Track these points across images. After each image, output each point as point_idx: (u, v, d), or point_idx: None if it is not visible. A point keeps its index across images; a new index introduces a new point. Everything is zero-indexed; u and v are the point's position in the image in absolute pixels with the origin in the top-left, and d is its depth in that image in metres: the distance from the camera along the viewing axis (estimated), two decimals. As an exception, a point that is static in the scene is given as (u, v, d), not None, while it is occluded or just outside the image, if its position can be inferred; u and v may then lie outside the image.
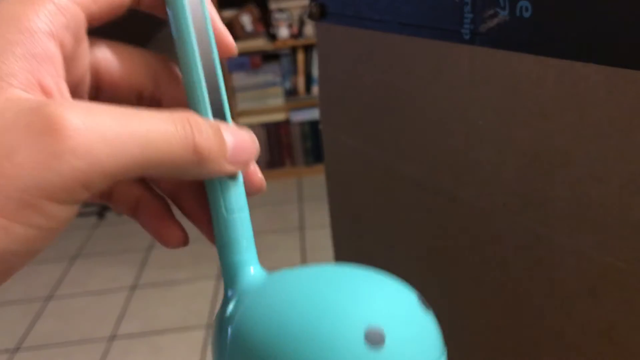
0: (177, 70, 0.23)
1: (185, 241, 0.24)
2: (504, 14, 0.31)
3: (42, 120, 0.16)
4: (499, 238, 0.34)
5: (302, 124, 2.47)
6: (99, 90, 0.22)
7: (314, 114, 2.39)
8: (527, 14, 0.29)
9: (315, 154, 2.50)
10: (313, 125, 2.44)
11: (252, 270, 0.22)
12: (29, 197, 0.16)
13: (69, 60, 0.20)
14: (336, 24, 0.47)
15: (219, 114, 0.22)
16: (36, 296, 1.82)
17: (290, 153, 2.52)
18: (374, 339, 0.19)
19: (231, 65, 2.37)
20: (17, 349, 1.59)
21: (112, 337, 1.53)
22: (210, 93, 0.21)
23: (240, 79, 2.40)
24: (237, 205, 0.22)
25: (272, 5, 2.35)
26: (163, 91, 0.23)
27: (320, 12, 0.48)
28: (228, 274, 0.22)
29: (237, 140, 0.20)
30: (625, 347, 0.28)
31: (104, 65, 0.22)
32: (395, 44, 0.40)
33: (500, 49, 0.31)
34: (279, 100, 2.45)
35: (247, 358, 0.19)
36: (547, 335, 0.33)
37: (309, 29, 2.36)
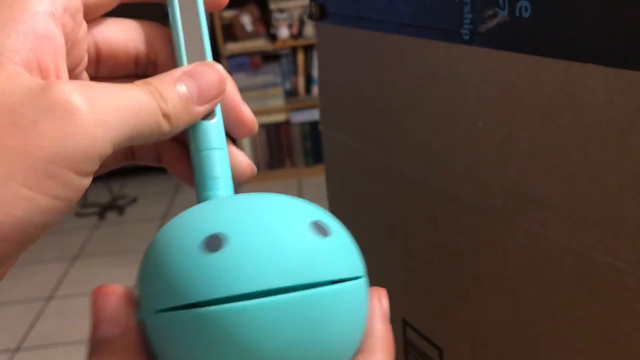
0: (168, 31, 0.25)
1: None
2: (503, 14, 0.31)
3: (53, 97, 0.17)
4: (498, 238, 0.34)
5: (302, 125, 2.47)
6: (100, 63, 0.24)
7: (314, 115, 2.39)
8: (526, 14, 0.29)
9: (315, 155, 2.50)
10: (313, 125, 2.44)
11: None
12: (53, 167, 0.17)
13: (70, 43, 0.21)
14: (336, 24, 0.47)
15: (198, 56, 0.23)
16: (36, 296, 1.82)
17: (290, 154, 2.52)
18: (320, 229, 0.20)
19: (231, 65, 2.37)
20: (17, 349, 1.59)
21: (112, 338, 1.52)
22: (189, 47, 0.23)
23: (240, 79, 2.40)
24: (206, 143, 0.23)
25: (272, 6, 2.35)
26: (157, 52, 0.24)
27: (320, 12, 0.48)
28: None
29: (202, 83, 0.22)
30: (625, 347, 0.28)
31: (102, 40, 0.23)
32: (395, 44, 0.40)
33: (500, 49, 0.31)
34: (279, 101, 2.46)
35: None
36: (547, 335, 0.33)
37: (309, 29, 2.36)
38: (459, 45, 0.34)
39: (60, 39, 0.20)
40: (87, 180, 0.18)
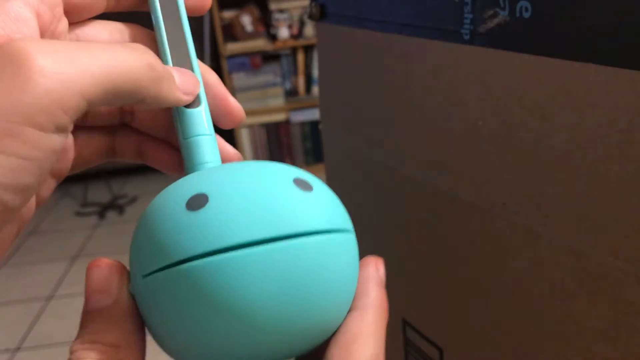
0: (152, 33, 0.25)
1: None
2: (503, 14, 0.31)
3: (8, 52, 0.17)
4: (499, 238, 0.34)
5: (302, 124, 2.47)
6: (87, 113, 0.24)
7: (314, 114, 2.39)
8: (527, 14, 0.29)
9: (315, 154, 2.50)
10: (313, 125, 2.44)
11: None
12: (8, 125, 0.16)
13: (48, 35, 0.21)
14: (336, 24, 0.47)
15: (184, 64, 0.24)
16: (36, 296, 1.82)
17: (290, 153, 2.52)
18: (303, 185, 0.20)
19: (231, 65, 2.37)
20: (17, 349, 1.59)
21: (113, 337, 1.52)
22: (173, 48, 0.24)
23: (240, 79, 2.40)
24: (194, 130, 0.23)
25: (272, 6, 2.35)
26: (136, 106, 0.25)
27: (320, 13, 0.48)
28: None
29: (182, 74, 0.23)
30: (625, 347, 0.28)
31: (83, 39, 0.23)
32: (395, 44, 0.40)
33: (500, 49, 0.31)
34: (279, 101, 2.45)
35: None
36: (547, 335, 0.33)
37: (309, 29, 2.36)
38: (459, 45, 0.34)
39: (33, 24, 0.20)
40: (56, 138, 0.17)
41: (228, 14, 2.32)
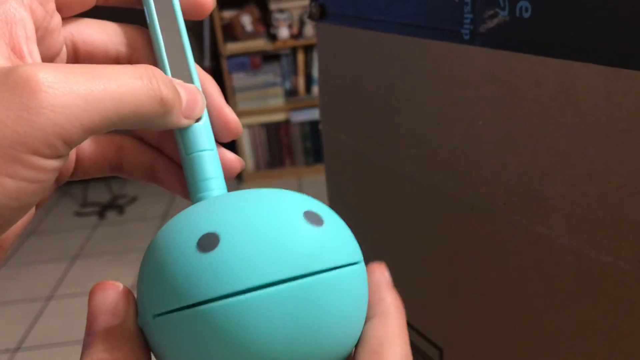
0: (149, 35, 0.25)
1: None
2: (503, 14, 0.31)
3: (17, 79, 0.17)
4: (499, 238, 0.34)
5: (302, 124, 2.47)
6: (78, 61, 0.23)
7: (314, 114, 2.39)
8: (527, 14, 0.29)
9: (315, 154, 2.49)
10: (313, 125, 2.44)
11: None
12: (14, 152, 0.17)
13: (41, 32, 0.21)
14: (336, 24, 0.47)
15: (183, 75, 0.23)
16: (36, 296, 1.82)
17: (290, 153, 2.52)
18: (314, 219, 0.20)
19: (231, 65, 2.37)
20: (17, 349, 1.59)
21: (112, 337, 1.52)
22: (171, 55, 0.23)
23: (240, 79, 2.40)
24: (196, 145, 0.23)
25: (272, 6, 2.35)
26: (138, 55, 0.24)
27: (320, 12, 0.48)
28: None
29: (189, 95, 0.22)
30: (625, 347, 0.28)
31: (80, 39, 0.23)
32: (395, 44, 0.40)
33: (500, 49, 0.31)
34: (279, 101, 2.45)
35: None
36: (547, 335, 0.33)
37: (309, 29, 2.35)
38: (459, 45, 0.34)
39: (29, 24, 0.20)
40: (58, 162, 0.18)
41: (228, 14, 2.32)
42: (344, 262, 0.19)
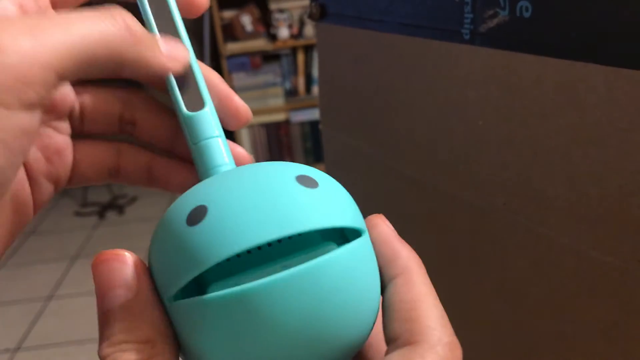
0: (148, 96, 0.25)
1: None
2: (504, 14, 0.31)
3: None
4: (499, 238, 0.34)
5: (302, 124, 2.47)
6: (83, 119, 0.24)
7: (314, 114, 2.39)
8: (527, 14, 0.29)
9: (315, 154, 2.49)
10: (313, 125, 2.44)
11: None
12: None
13: None
14: (336, 24, 0.47)
15: (192, 92, 0.23)
16: (36, 296, 1.81)
17: (290, 153, 2.52)
18: (307, 182, 0.19)
19: (231, 65, 2.37)
20: (17, 349, 1.59)
21: (112, 337, 1.52)
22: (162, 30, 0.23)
23: (240, 79, 2.40)
24: (202, 133, 0.23)
25: (272, 6, 2.35)
26: (137, 116, 0.25)
27: (320, 12, 0.48)
28: None
29: (168, 41, 0.22)
30: (625, 347, 0.28)
31: (85, 103, 0.24)
32: (395, 44, 0.40)
33: (500, 49, 0.31)
34: (279, 101, 2.45)
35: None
36: (547, 335, 0.33)
37: (309, 29, 2.35)
38: (460, 45, 0.34)
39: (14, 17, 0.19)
40: (23, 116, 0.16)
41: (228, 14, 2.32)
42: (343, 224, 0.19)
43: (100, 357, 0.17)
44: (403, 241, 0.21)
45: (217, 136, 0.23)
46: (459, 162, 0.36)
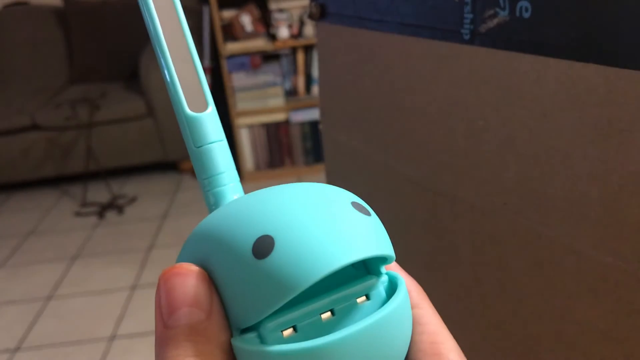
0: None
1: None
2: (503, 14, 0.31)
3: None
4: (499, 238, 0.34)
5: (302, 124, 2.47)
6: None
7: (314, 114, 2.39)
8: (527, 14, 0.29)
9: (315, 154, 2.49)
10: (313, 125, 2.44)
11: (234, 198, 0.22)
12: None
13: None
14: (336, 24, 0.47)
15: (195, 92, 0.22)
16: (36, 296, 1.81)
17: (290, 153, 2.52)
18: (361, 209, 0.19)
19: (231, 65, 2.37)
20: (17, 349, 1.59)
21: (112, 337, 1.52)
22: (180, 74, 0.22)
23: (240, 79, 2.40)
24: (204, 138, 0.22)
25: (272, 6, 2.35)
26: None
27: (320, 12, 0.48)
28: (210, 207, 0.22)
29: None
30: (625, 347, 0.28)
31: None
32: (395, 44, 0.40)
33: (500, 49, 0.31)
34: (279, 101, 2.46)
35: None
36: (547, 335, 0.33)
37: (309, 29, 2.36)
38: (460, 45, 0.34)
39: None
40: None
41: (228, 14, 2.32)
42: (392, 252, 0.19)
43: None
44: (406, 273, 0.21)
45: (220, 140, 0.22)
46: (459, 162, 0.36)
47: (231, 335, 0.17)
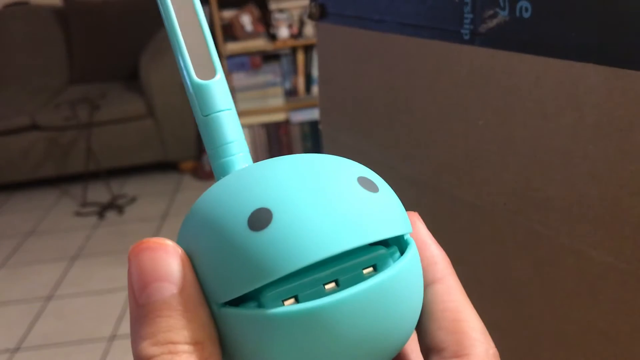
0: None
1: None
2: (503, 14, 0.31)
3: None
4: (499, 237, 0.34)
5: (302, 124, 2.47)
6: None
7: (314, 114, 2.39)
8: (527, 14, 0.29)
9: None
10: (313, 125, 2.44)
11: (243, 167, 0.21)
12: None
13: None
14: (336, 24, 0.47)
15: (202, 59, 0.21)
16: (36, 296, 1.81)
17: (290, 153, 2.52)
18: (368, 185, 0.18)
19: (231, 65, 2.37)
20: (17, 349, 1.59)
21: (112, 337, 1.52)
22: (189, 44, 0.21)
23: (240, 79, 2.40)
24: (212, 106, 0.21)
25: (272, 6, 2.35)
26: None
27: (320, 12, 0.48)
28: (218, 178, 0.21)
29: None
30: (625, 347, 0.28)
31: None
32: (395, 44, 0.40)
33: (500, 49, 0.31)
34: (279, 101, 2.45)
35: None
36: (547, 335, 0.33)
37: (309, 29, 2.36)
38: (459, 45, 0.34)
39: None
40: None
41: (228, 14, 2.32)
42: (405, 230, 0.18)
43: (141, 356, 0.16)
44: (437, 243, 0.20)
45: (229, 109, 0.21)
46: (459, 162, 0.36)
47: (210, 309, 0.17)
